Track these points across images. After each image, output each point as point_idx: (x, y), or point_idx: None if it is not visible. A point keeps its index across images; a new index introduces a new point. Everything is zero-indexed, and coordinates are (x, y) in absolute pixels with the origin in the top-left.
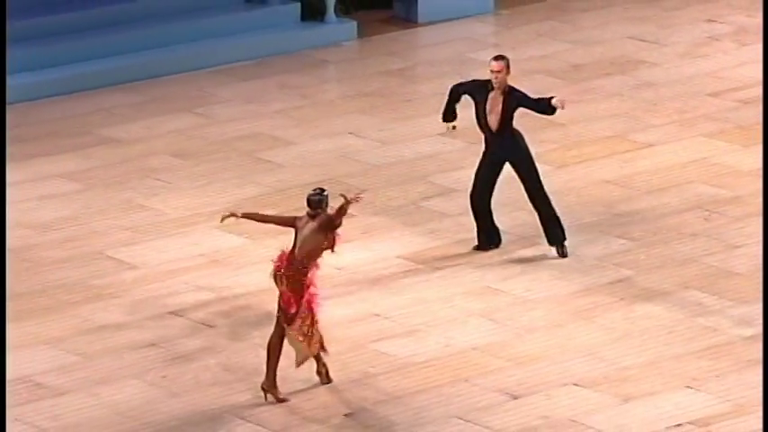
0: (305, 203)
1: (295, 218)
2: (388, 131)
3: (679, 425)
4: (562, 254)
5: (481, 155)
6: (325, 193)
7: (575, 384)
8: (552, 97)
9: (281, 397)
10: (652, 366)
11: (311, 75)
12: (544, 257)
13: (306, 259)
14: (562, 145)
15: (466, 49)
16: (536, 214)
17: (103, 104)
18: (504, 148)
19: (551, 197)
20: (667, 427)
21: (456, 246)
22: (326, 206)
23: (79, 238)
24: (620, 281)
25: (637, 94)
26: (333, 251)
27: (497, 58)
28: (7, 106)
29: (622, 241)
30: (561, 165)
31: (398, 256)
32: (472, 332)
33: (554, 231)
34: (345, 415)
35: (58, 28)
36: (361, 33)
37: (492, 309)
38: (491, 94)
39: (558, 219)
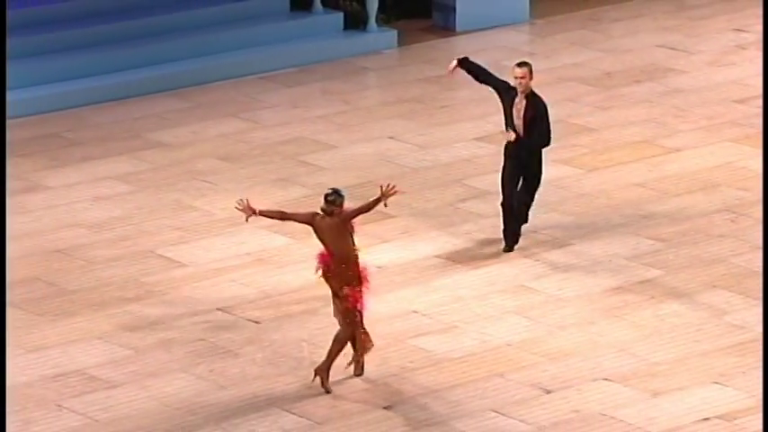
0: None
1: (313, 214)
2: (426, 136)
3: (706, 419)
4: (506, 249)
5: (503, 159)
6: (342, 193)
7: (605, 379)
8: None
9: (328, 387)
10: (680, 362)
11: (353, 81)
12: (576, 257)
13: (345, 257)
14: (593, 149)
15: (501, 57)
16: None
17: (154, 110)
18: (526, 155)
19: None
20: (695, 421)
21: (491, 246)
22: (341, 205)
23: (130, 238)
24: (649, 280)
25: (665, 100)
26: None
27: (521, 64)
28: (63, 111)
29: (651, 242)
30: (592, 168)
31: (436, 256)
32: (507, 329)
33: (513, 233)
34: (385, 408)
35: (112, 37)
36: (401, 42)
37: (526, 306)
38: (516, 99)
39: (518, 233)
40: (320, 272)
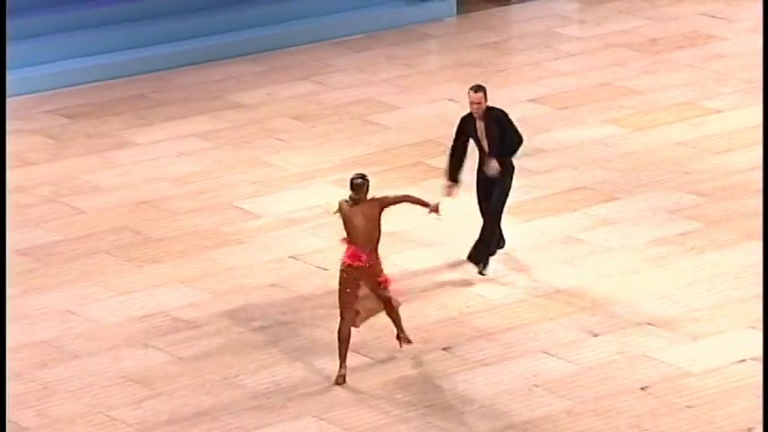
0: (402, 172)
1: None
2: None
3: (742, 360)
4: (480, 272)
5: (476, 176)
6: (367, 178)
7: (648, 324)
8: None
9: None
10: (719, 308)
11: (415, 47)
12: (622, 211)
13: (373, 245)
14: (639, 110)
15: (554, 25)
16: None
17: (232, 73)
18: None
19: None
20: (732, 363)
21: (543, 200)
22: (367, 190)
23: (210, 191)
24: (690, 232)
25: (707, 65)
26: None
27: (476, 89)
28: (150, 74)
29: (692, 196)
30: (638, 128)
31: None
32: (557, 277)
33: (481, 251)
34: (444, 349)
35: (195, 5)
36: (461, 10)
37: (574, 256)
38: (477, 124)
39: (489, 248)
40: (359, 265)
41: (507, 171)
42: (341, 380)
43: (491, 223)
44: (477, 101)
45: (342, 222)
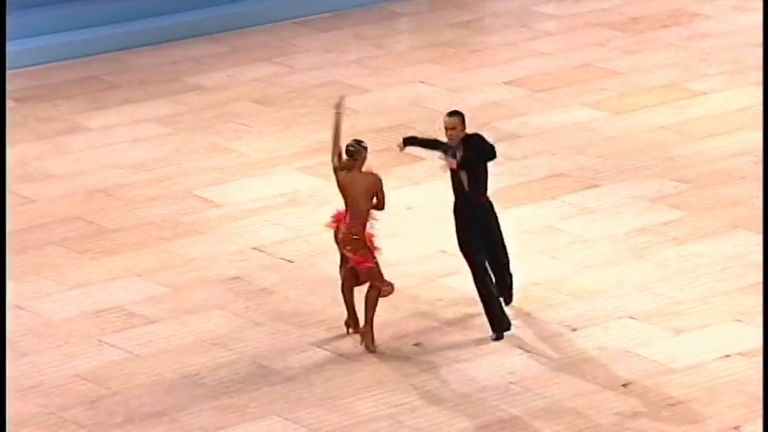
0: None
1: (340, 156)
2: (457, 80)
3: (727, 356)
4: (507, 302)
5: (457, 220)
6: (363, 145)
7: (630, 317)
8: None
9: (372, 348)
10: (703, 301)
11: (385, 26)
12: (602, 199)
13: (359, 218)
14: (620, 93)
15: (531, 3)
16: (496, 279)
17: (191, 54)
18: (477, 210)
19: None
20: (716, 358)
21: (518, 188)
22: (364, 159)
23: (168, 178)
24: (673, 221)
25: (691, 44)
26: (382, 209)
27: (451, 114)
28: (103, 55)
29: (675, 183)
30: (619, 111)
31: None
32: (534, 268)
33: (507, 294)
34: (415, 344)
35: None
36: None
37: (552, 247)
38: (452, 154)
39: (511, 286)
40: (332, 229)
41: (490, 210)
42: (347, 327)
43: (507, 267)
44: (451, 126)
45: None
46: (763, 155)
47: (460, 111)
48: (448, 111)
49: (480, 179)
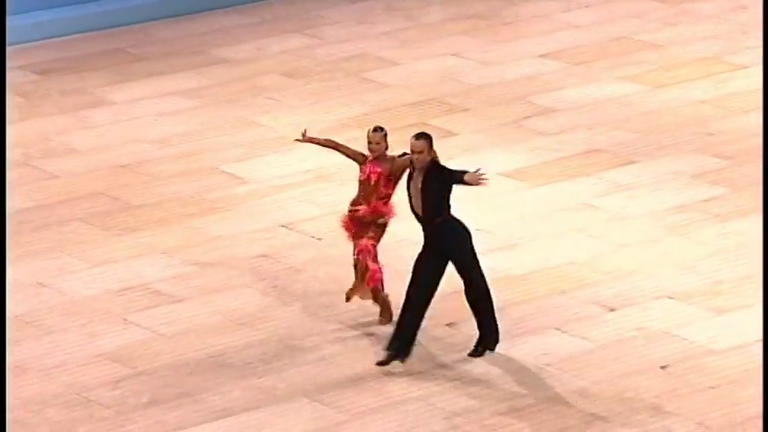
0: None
1: (363, 155)
2: (489, 53)
3: None
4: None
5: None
6: (383, 132)
7: (669, 297)
8: (465, 172)
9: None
10: (745, 280)
11: None
12: (640, 175)
13: (370, 208)
14: (658, 66)
15: None
16: (473, 317)
17: (218, 25)
18: (438, 237)
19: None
20: (758, 339)
21: (554, 164)
22: (386, 142)
23: (194, 154)
24: (714, 198)
25: (733, 16)
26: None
27: (418, 136)
28: (128, 26)
29: (717, 159)
30: (658, 86)
31: (499, 173)
32: (570, 247)
33: (489, 336)
34: (447, 325)
35: None
36: None
37: (589, 225)
38: (414, 175)
39: (496, 324)
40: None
41: (461, 236)
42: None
43: (488, 306)
44: (417, 149)
45: None
46: (763, 154)
47: (428, 133)
48: (415, 133)
49: (438, 205)
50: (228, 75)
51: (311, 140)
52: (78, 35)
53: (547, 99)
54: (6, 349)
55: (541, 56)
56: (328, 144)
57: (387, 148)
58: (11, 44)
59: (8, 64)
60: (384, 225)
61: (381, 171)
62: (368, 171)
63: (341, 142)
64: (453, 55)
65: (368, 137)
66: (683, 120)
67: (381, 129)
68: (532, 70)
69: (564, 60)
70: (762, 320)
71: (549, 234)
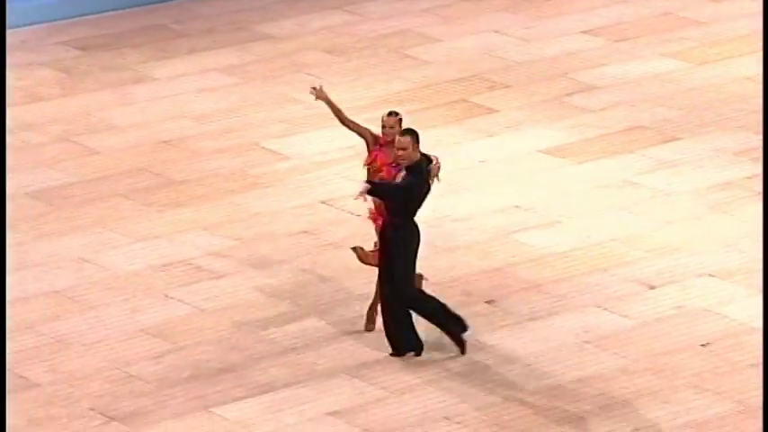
0: (383, 121)
1: (373, 134)
2: (532, 29)
3: None
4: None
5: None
6: (399, 117)
7: (710, 275)
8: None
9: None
10: None
11: None
12: (684, 152)
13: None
14: (702, 43)
15: None
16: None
17: (259, 2)
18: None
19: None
20: None
21: (597, 141)
22: (401, 126)
23: (235, 130)
24: (757, 175)
25: None
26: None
27: (405, 132)
28: (170, 2)
29: (760, 137)
30: (701, 62)
31: (540, 151)
32: (612, 224)
33: (452, 326)
34: (487, 302)
35: None
36: None
37: (631, 202)
38: (401, 174)
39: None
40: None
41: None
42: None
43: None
44: (402, 146)
45: None
46: (764, 152)
47: (415, 129)
48: (402, 130)
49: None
50: (270, 51)
51: (326, 99)
52: (120, 11)
53: (589, 76)
54: (48, 324)
55: (584, 32)
56: (338, 115)
57: (416, 150)
58: (53, 20)
59: (50, 40)
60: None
61: (389, 161)
62: (374, 156)
63: (350, 118)
64: (495, 31)
65: (382, 120)
66: (727, 96)
67: (397, 113)
68: (575, 46)
69: (606, 37)
70: (761, 310)
71: (590, 211)
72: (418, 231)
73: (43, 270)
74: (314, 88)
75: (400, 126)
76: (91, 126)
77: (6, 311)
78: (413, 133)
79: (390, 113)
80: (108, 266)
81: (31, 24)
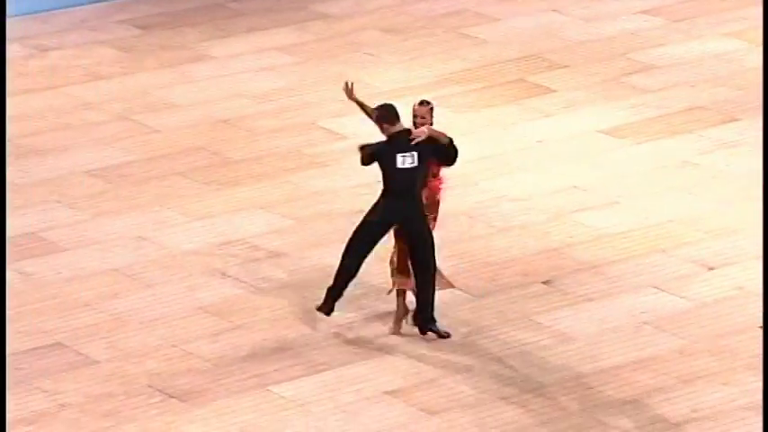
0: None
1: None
2: (591, 8)
3: None
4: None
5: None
6: (430, 106)
7: None
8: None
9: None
10: None
11: None
12: (743, 133)
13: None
14: (762, 22)
15: None
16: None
17: None
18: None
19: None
20: None
21: (656, 121)
22: (432, 121)
23: (293, 109)
24: None
25: None
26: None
27: (421, 103)
28: None
29: None
30: (761, 42)
31: (599, 131)
32: (670, 204)
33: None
34: (544, 282)
35: None
36: None
37: (690, 183)
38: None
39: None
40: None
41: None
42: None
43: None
44: (421, 115)
45: None
46: (764, 152)
47: (430, 101)
48: (420, 100)
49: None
50: (327, 30)
51: (356, 100)
52: None
53: (648, 56)
54: (106, 302)
55: (643, 11)
56: (367, 111)
57: (432, 124)
58: None
59: (110, 19)
60: (439, 201)
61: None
62: None
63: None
64: (554, 11)
65: (413, 110)
66: None
67: (428, 102)
68: (634, 26)
69: (666, 16)
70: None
71: (649, 192)
72: (392, 211)
73: (101, 248)
74: (346, 84)
75: (431, 116)
76: (150, 105)
77: (63, 289)
78: (429, 104)
79: (422, 102)
80: (166, 245)
81: (91, 3)
